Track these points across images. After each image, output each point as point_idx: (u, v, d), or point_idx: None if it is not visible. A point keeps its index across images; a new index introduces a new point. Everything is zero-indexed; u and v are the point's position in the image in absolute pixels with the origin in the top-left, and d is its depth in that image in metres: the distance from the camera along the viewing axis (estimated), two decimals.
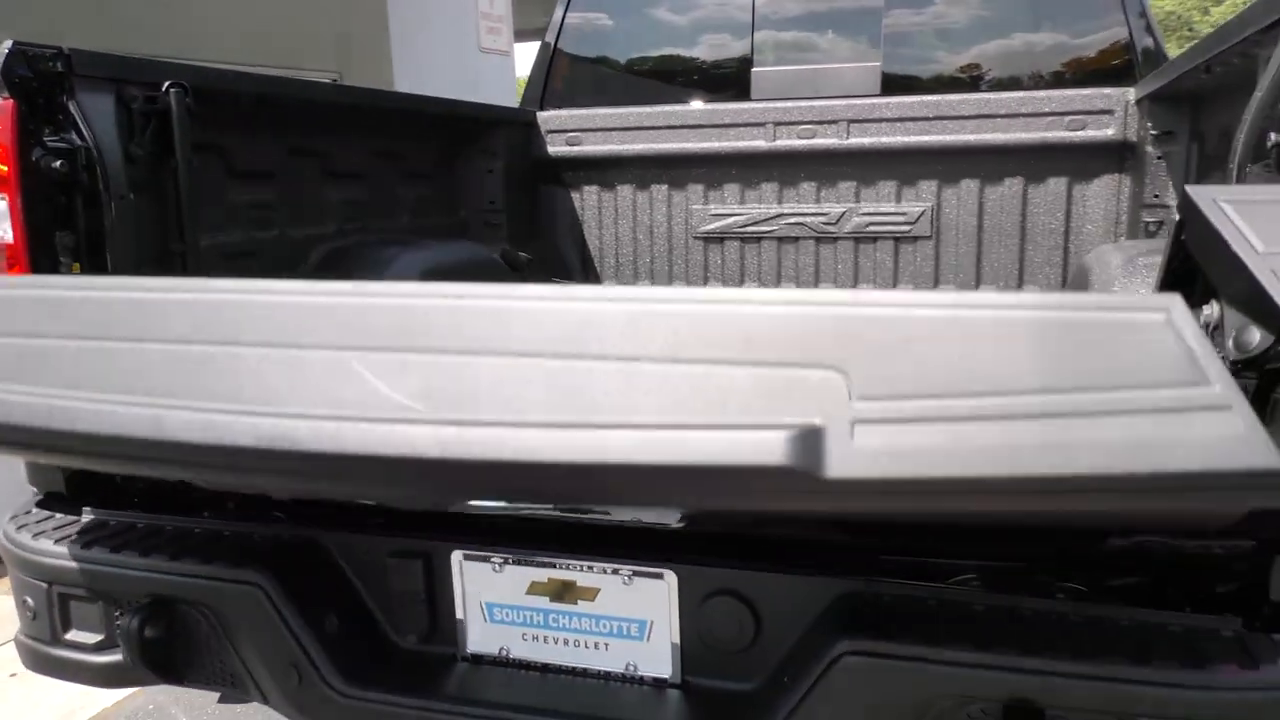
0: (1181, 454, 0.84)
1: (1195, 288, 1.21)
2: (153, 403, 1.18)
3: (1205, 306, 1.17)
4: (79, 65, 2.05)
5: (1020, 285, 3.67)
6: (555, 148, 4.06)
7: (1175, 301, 0.89)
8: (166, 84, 2.25)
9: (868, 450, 0.94)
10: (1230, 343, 1.10)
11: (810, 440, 0.94)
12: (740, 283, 3.97)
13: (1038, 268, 3.65)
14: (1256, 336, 1.05)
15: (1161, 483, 0.86)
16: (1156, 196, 3.29)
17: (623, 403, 1.01)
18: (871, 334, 0.97)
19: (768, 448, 0.96)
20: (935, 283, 3.78)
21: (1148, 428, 0.86)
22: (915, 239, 3.77)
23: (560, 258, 4.14)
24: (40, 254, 2.00)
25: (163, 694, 3.39)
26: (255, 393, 1.15)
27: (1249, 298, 1.04)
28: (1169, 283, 1.26)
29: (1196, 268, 1.20)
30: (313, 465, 1.14)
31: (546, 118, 4.08)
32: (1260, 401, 1.11)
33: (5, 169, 1.94)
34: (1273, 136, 1.51)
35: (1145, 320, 0.89)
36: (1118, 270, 2.36)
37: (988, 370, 0.92)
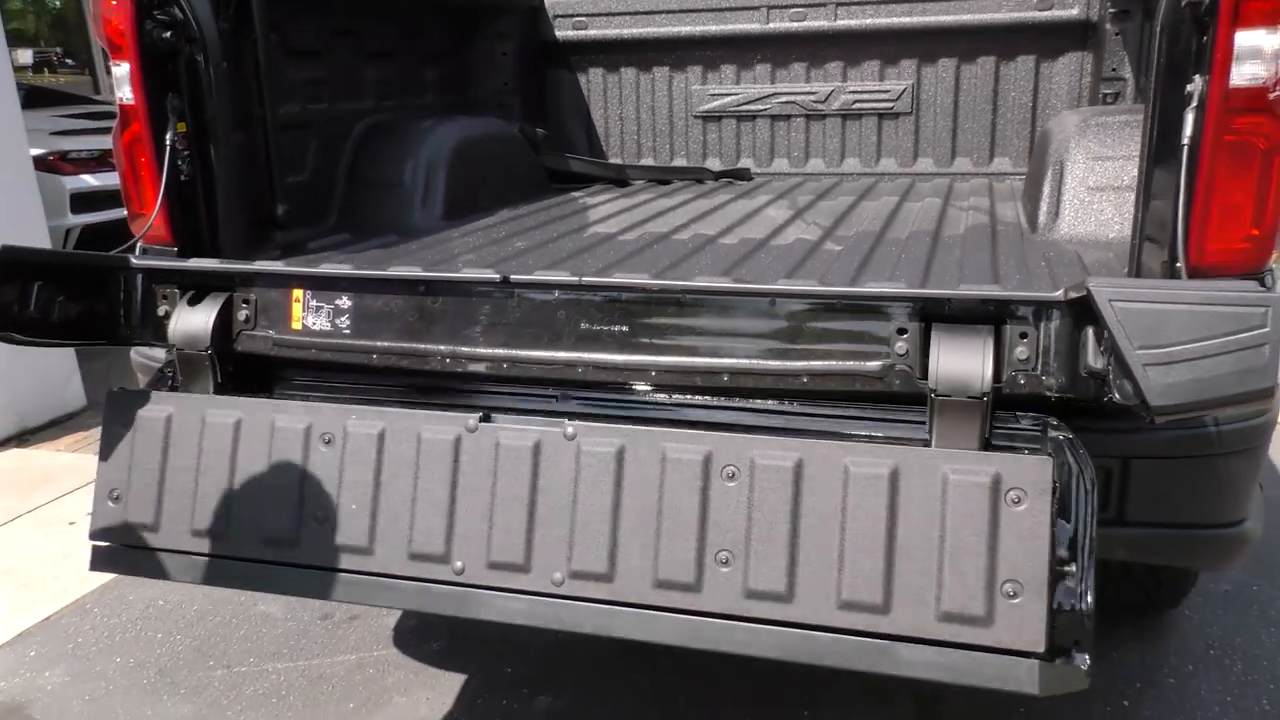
0: None
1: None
2: None
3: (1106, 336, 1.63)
4: None
5: (991, 157, 4.04)
6: (562, 31, 4.34)
7: None
8: None
9: None
10: (1116, 392, 1.57)
11: None
12: (737, 159, 4.32)
13: (1008, 140, 4.02)
14: (1130, 391, 1.52)
15: None
16: (1114, 70, 3.64)
17: None
18: None
19: None
20: (915, 157, 4.14)
21: None
22: (897, 115, 4.12)
23: (568, 136, 4.46)
24: (155, 113, 2.33)
25: None
26: None
27: (1126, 372, 1.50)
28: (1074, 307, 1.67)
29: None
30: None
31: (553, 2, 4.34)
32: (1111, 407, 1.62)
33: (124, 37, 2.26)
34: None
35: None
36: (1073, 130, 2.74)
37: None
